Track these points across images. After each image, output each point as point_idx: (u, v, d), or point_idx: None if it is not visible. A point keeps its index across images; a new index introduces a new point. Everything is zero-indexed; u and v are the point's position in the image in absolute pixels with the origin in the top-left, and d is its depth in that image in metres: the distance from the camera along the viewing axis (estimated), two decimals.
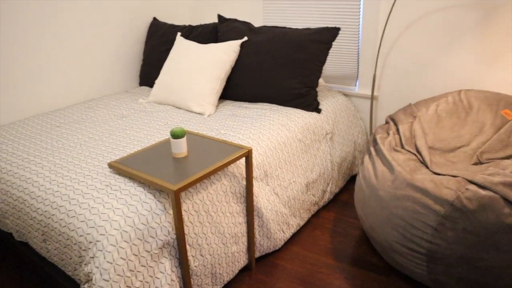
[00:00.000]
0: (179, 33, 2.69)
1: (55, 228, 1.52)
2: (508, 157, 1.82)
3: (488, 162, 1.84)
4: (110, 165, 1.65)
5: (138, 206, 1.47)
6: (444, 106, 2.14)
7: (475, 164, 1.86)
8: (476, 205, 1.52)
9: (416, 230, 1.63)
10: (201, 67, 2.37)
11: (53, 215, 1.53)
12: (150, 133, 2.05)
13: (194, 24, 3.35)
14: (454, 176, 1.68)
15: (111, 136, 2.03)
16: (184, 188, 1.46)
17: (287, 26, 2.85)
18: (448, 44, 2.41)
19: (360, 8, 2.61)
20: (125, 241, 1.39)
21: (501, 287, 1.56)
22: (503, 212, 1.49)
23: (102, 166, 1.72)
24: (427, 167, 1.82)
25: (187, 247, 1.58)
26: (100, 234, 1.39)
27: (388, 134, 2.09)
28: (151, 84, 2.84)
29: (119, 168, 1.61)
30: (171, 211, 1.51)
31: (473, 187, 1.57)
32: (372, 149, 2.03)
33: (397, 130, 2.10)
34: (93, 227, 1.41)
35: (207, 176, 1.55)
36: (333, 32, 2.39)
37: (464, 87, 2.44)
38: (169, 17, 3.16)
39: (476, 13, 2.28)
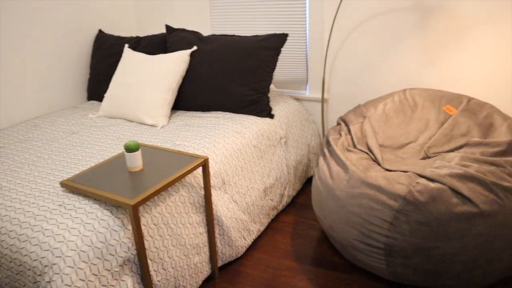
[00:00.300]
0: (126, 45, 2.64)
1: (6, 254, 1.45)
2: (452, 150, 1.92)
3: (435, 156, 1.93)
4: (63, 184, 1.60)
5: (95, 224, 1.43)
6: (391, 105, 2.23)
7: (423, 158, 1.95)
8: (427, 198, 1.59)
9: (373, 226, 1.69)
10: (152, 79, 2.35)
11: (2, 241, 1.46)
12: (103, 148, 2.00)
13: (141, 35, 3.31)
14: (404, 172, 1.76)
15: (61, 154, 1.96)
16: (142, 202, 1.44)
17: (236, 34, 2.87)
18: (392, 46, 2.52)
19: (306, 14, 2.67)
20: (83, 261, 1.34)
21: (454, 274, 1.64)
22: (451, 202, 1.57)
23: (53, 185, 1.66)
24: (379, 164, 1.88)
25: (149, 262, 1.55)
26: (56, 257, 1.34)
27: (340, 135, 2.15)
28: (100, 98, 2.78)
29: (72, 186, 1.56)
30: (130, 227, 1.48)
31: (423, 181, 1.64)
32: (326, 150, 2.08)
33: (349, 130, 2.16)
34: (48, 250, 1.36)
35: (164, 188, 1.53)
36: (281, 38, 2.43)
37: (408, 86, 2.56)
38: (115, 29, 3.11)
39: (414, 15, 2.40)
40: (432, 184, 1.62)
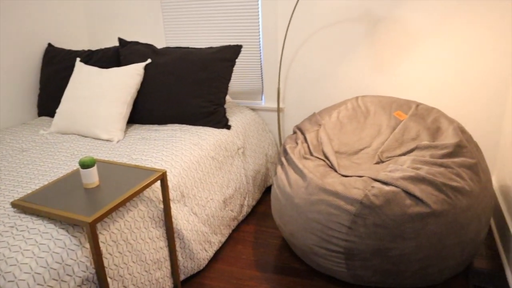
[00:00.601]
0: (78, 59, 2.58)
1: None
2: (404, 154, 2.00)
3: (388, 160, 2.00)
4: (14, 204, 1.53)
5: (50, 244, 1.38)
6: (345, 113, 2.29)
7: (377, 163, 2.01)
8: (382, 201, 1.64)
9: (332, 231, 1.72)
10: (106, 92, 2.30)
11: None
12: (56, 165, 1.94)
13: (93, 48, 3.24)
14: (360, 176, 1.81)
15: (11, 173, 1.89)
16: (100, 219, 1.40)
17: (191, 46, 2.87)
18: (343, 55, 2.60)
19: (259, 25, 2.71)
20: (38, 284, 1.29)
21: (412, 272, 1.70)
22: (405, 204, 1.63)
23: (4, 206, 1.59)
24: (335, 171, 1.93)
25: (109, 280, 1.51)
26: (9, 281, 1.28)
27: (297, 143, 2.19)
28: (51, 114, 2.69)
29: (24, 206, 1.50)
30: (87, 245, 1.44)
31: (377, 185, 1.70)
32: (283, 159, 2.11)
33: (305, 138, 2.21)
34: (0, 275, 1.30)
35: (122, 203, 1.51)
36: (235, 50, 2.45)
37: (360, 93, 2.64)
38: (66, 43, 3.03)
39: (363, 26, 2.49)
40: (386, 188, 1.68)
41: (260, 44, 2.76)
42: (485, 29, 2.28)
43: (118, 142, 2.21)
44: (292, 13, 2.43)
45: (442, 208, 1.64)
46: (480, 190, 1.77)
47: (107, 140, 2.23)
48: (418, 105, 2.21)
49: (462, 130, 1.98)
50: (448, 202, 1.66)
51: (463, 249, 1.73)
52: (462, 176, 1.75)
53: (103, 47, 3.22)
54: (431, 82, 2.47)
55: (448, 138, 1.93)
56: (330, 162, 1.99)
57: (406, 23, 2.41)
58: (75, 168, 1.86)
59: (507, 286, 1.86)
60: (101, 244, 1.49)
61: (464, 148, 1.85)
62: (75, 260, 1.39)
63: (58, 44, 2.97)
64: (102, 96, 2.30)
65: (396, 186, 1.68)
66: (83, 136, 2.32)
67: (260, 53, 2.78)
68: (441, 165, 1.78)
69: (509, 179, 2.14)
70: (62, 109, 2.38)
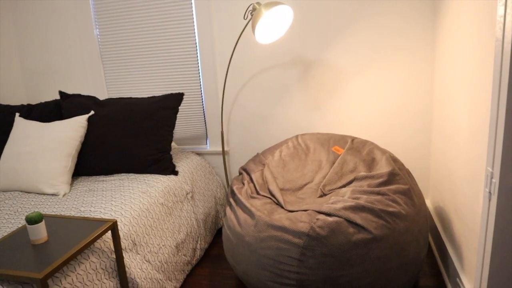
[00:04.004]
0: (17, 114, 2.55)
1: None
2: (344, 185, 2.13)
3: (330, 193, 2.12)
4: None
5: None
6: (286, 151, 2.41)
7: (321, 196, 2.13)
8: (327, 231, 1.74)
9: (283, 265, 1.79)
10: (48, 146, 2.29)
11: None
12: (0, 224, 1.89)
13: (33, 103, 3.20)
14: (305, 210, 1.91)
15: None
16: (51, 274, 1.39)
17: (133, 96, 2.92)
18: (280, 96, 2.75)
19: (199, 72, 2.83)
20: None
21: None
22: (349, 232, 1.74)
23: None
24: (282, 207, 2.02)
25: None
26: None
27: (244, 183, 2.27)
28: None
29: None
30: None
31: (322, 216, 1.80)
32: (231, 200, 2.18)
33: (251, 178, 2.29)
34: None
35: (73, 257, 1.50)
36: (178, 98, 2.54)
37: (300, 131, 2.80)
38: (2, 98, 2.98)
39: (296, 69, 2.67)
40: (330, 219, 1.78)
41: (201, 91, 2.87)
42: (406, 67, 2.53)
43: (64, 195, 2.18)
44: (230, 59, 2.57)
45: (383, 233, 1.76)
46: (415, 213, 1.91)
47: (53, 195, 2.20)
48: (353, 139, 2.38)
49: (394, 159, 2.15)
50: (387, 227, 1.78)
51: (407, 270, 1.85)
52: (398, 201, 1.89)
53: (43, 101, 3.19)
54: (363, 116, 2.67)
55: (382, 168, 2.09)
56: (276, 199, 2.08)
57: (334, 64, 2.61)
58: (20, 225, 1.82)
59: None
60: None
61: (397, 175, 2.01)
62: None
63: None
64: (44, 151, 2.28)
65: (339, 216, 1.79)
66: (26, 192, 2.27)
67: (202, 99, 2.89)
68: (378, 193, 1.92)
69: (441, 201, 2.33)
70: (2, 167, 2.32)
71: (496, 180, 1.33)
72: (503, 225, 1.35)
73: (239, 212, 2.05)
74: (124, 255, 1.85)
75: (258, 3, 2.29)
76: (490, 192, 1.39)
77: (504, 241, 1.37)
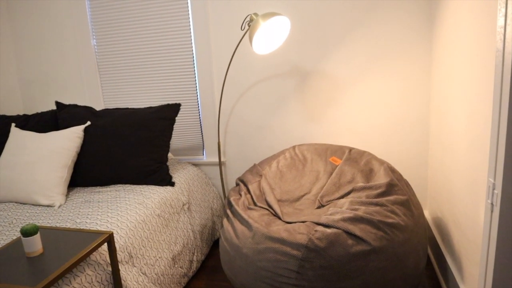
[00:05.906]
0: (13, 124, 2.53)
1: None
2: (342, 196, 2.12)
3: (328, 204, 2.11)
4: None
5: None
6: (284, 162, 2.40)
7: (318, 207, 2.11)
8: (325, 243, 1.72)
9: (281, 277, 1.77)
10: (44, 157, 2.27)
11: None
12: None
13: (29, 113, 3.19)
14: (303, 222, 1.89)
15: None
16: None
17: (129, 107, 2.91)
18: (277, 107, 2.75)
19: (196, 83, 2.82)
20: None
21: None
22: (348, 243, 1.72)
23: None
24: (280, 218, 2.01)
25: None
26: None
27: (241, 195, 2.25)
28: None
29: None
30: None
31: (320, 228, 1.78)
32: (228, 211, 2.16)
33: (248, 190, 2.28)
34: None
35: (69, 270, 1.47)
36: (174, 108, 2.53)
37: (297, 142, 2.79)
38: None
39: (293, 79, 2.67)
40: (328, 230, 1.77)
41: (198, 101, 2.86)
42: (403, 77, 2.54)
43: (60, 207, 2.16)
44: (227, 70, 2.57)
45: (381, 244, 1.75)
46: (414, 224, 1.90)
47: (48, 206, 2.18)
48: (350, 149, 2.37)
49: (392, 170, 2.14)
50: (386, 238, 1.77)
51: (406, 282, 1.83)
52: (396, 212, 1.88)
53: (39, 111, 3.18)
54: (360, 126, 2.67)
55: (381, 178, 2.08)
56: (274, 211, 2.07)
57: (331, 75, 2.62)
58: (15, 237, 1.80)
59: None
60: None
61: (396, 186, 2.00)
62: None
63: None
64: (40, 161, 2.26)
65: (337, 228, 1.77)
66: (21, 203, 2.24)
67: (199, 109, 2.88)
68: (376, 204, 1.91)
69: (440, 212, 2.32)
70: None
71: (498, 191, 1.32)
72: (506, 237, 1.34)
73: (236, 223, 2.03)
74: (120, 267, 1.82)
75: (255, 14, 2.30)
76: (492, 204, 1.38)
77: (507, 253, 1.36)
